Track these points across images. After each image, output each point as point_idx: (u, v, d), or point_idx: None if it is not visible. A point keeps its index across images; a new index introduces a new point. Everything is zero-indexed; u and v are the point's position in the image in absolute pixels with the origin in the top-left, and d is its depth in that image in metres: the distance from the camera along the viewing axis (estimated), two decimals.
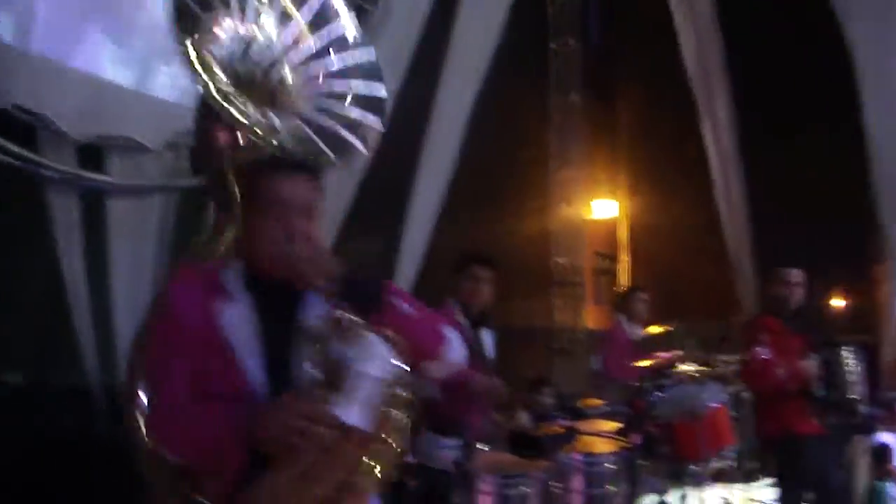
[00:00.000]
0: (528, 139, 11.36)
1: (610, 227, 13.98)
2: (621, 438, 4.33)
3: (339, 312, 1.81)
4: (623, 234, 13.89)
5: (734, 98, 9.39)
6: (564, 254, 11.30)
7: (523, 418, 4.81)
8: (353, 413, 1.74)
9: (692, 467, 5.07)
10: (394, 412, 1.80)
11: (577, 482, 4.15)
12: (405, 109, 7.56)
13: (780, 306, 5.10)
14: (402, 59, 6.96)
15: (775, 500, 5.11)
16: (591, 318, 12.40)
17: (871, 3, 7.14)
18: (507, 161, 10.65)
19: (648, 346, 5.43)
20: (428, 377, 4.17)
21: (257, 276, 1.88)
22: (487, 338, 4.52)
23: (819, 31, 8.54)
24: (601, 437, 4.35)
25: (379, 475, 1.79)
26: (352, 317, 1.81)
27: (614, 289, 14.07)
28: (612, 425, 4.54)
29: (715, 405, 4.98)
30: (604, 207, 13.47)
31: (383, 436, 1.79)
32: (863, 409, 4.91)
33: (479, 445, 4.07)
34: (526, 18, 10.28)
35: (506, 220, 10.79)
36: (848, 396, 4.84)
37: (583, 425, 4.36)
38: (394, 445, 1.80)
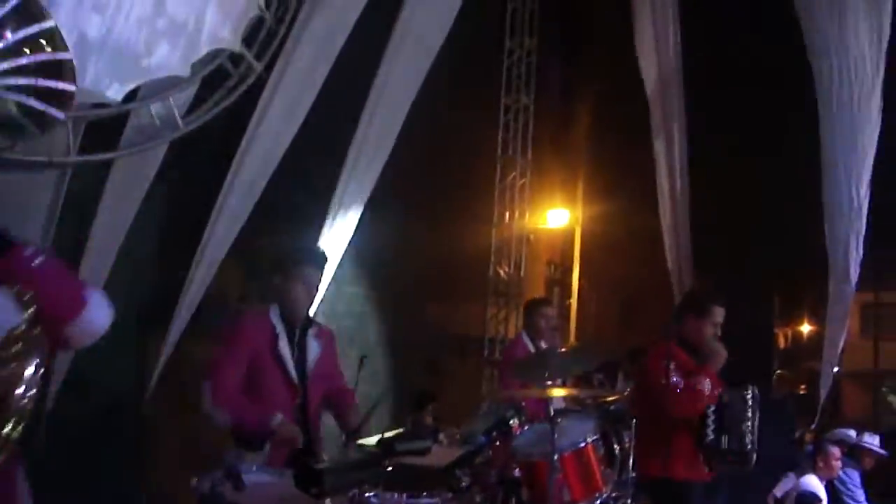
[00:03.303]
0: (478, 142, 10.99)
1: (565, 236, 13.64)
2: (449, 477, 3.45)
3: None
4: (576, 243, 13.55)
5: (688, 110, 9.16)
6: (506, 263, 10.89)
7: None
8: None
9: None
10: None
11: None
12: (339, 96, 7.14)
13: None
14: (336, 42, 6.57)
15: None
16: None
17: (834, 36, 7.03)
18: (454, 162, 10.28)
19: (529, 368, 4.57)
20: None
21: None
22: None
23: (784, 61, 8.37)
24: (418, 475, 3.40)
25: None
26: None
27: (567, 301, 13.75)
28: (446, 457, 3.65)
29: (582, 443, 4.01)
30: (557, 216, 13.14)
31: None
32: (754, 457, 4.52)
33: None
34: (481, 14, 9.94)
35: (453, 223, 10.40)
36: (745, 444, 4.48)
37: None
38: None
